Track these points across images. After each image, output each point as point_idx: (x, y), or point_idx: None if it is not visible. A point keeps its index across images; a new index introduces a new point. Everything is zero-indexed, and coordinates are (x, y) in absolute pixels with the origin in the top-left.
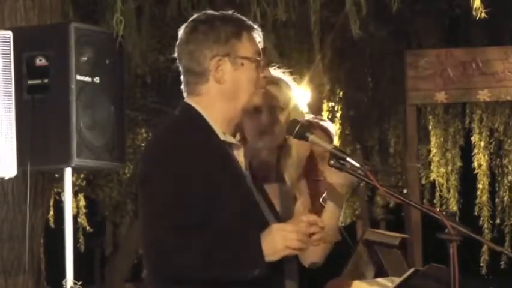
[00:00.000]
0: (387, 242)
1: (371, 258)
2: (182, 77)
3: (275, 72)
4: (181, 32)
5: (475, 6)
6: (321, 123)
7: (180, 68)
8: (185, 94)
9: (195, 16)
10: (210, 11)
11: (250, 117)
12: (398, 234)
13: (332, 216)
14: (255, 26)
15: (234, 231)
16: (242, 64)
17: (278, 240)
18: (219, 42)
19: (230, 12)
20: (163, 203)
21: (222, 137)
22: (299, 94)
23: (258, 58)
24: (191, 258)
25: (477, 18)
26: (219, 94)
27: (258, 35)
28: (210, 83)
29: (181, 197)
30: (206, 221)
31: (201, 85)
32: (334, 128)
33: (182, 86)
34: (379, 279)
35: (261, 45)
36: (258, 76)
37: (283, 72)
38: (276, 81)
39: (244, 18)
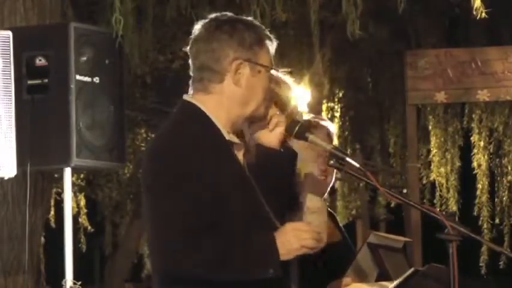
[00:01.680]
0: (391, 246)
1: (374, 261)
2: (194, 73)
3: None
4: (199, 29)
5: (475, 6)
6: (321, 122)
7: (193, 63)
8: (191, 90)
9: (215, 15)
10: (230, 13)
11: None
12: (401, 238)
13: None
14: (272, 37)
15: (245, 231)
16: (259, 72)
17: (293, 240)
18: (243, 45)
19: (250, 18)
20: (173, 205)
21: (227, 137)
22: (300, 95)
23: (272, 69)
24: (204, 259)
25: (477, 18)
26: (231, 96)
27: (272, 46)
28: (225, 83)
29: (190, 198)
30: (215, 221)
31: (214, 84)
32: (334, 128)
33: (191, 82)
34: (382, 282)
35: (272, 55)
36: (269, 86)
37: (283, 73)
38: (276, 81)
39: (263, 27)
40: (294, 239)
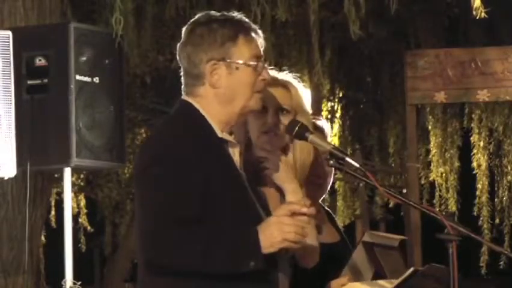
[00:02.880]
0: (386, 244)
1: (369, 260)
2: (182, 77)
3: (285, 75)
4: (182, 32)
5: (475, 6)
6: (316, 122)
7: (181, 67)
8: (184, 93)
9: (195, 17)
10: (212, 12)
11: (256, 117)
12: (397, 236)
13: (295, 194)
14: (255, 27)
15: (231, 225)
16: (237, 68)
17: (275, 233)
18: (215, 45)
19: (232, 12)
20: (162, 196)
21: (219, 135)
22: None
23: (255, 62)
24: (189, 251)
25: (477, 18)
26: (215, 98)
27: (257, 37)
28: (206, 86)
29: (180, 190)
30: (203, 215)
31: (198, 87)
32: (329, 127)
33: (182, 86)
34: (378, 281)
35: (261, 47)
36: (255, 80)
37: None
38: (285, 85)
39: (245, 20)
40: (277, 232)
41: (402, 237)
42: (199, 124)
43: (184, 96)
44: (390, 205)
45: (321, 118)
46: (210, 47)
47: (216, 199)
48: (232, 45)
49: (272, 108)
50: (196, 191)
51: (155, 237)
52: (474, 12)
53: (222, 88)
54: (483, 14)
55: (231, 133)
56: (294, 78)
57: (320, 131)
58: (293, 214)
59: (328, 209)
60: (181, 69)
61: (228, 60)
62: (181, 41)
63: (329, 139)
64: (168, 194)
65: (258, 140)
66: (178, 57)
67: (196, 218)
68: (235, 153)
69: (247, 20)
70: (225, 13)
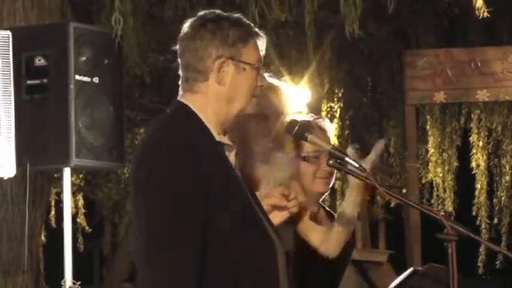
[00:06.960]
0: (375, 260)
1: (361, 277)
2: (181, 72)
3: (272, 79)
4: (186, 27)
5: (477, 6)
6: (320, 122)
7: (180, 62)
8: (181, 91)
9: (202, 13)
10: (218, 11)
11: (256, 122)
12: (384, 250)
13: (340, 235)
14: (261, 33)
15: (238, 229)
16: (244, 69)
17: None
18: (226, 43)
19: (237, 15)
20: (164, 209)
21: (217, 138)
22: (294, 95)
23: (259, 66)
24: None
25: (479, 17)
26: (216, 95)
27: (262, 43)
28: (210, 83)
29: (183, 200)
30: (208, 225)
31: (200, 83)
32: (332, 128)
33: (179, 82)
34: None
35: (263, 53)
36: (256, 84)
37: (280, 75)
38: (276, 90)
39: (251, 24)
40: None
41: (388, 251)
42: (198, 129)
43: (180, 97)
44: (392, 205)
45: (324, 118)
46: (221, 44)
47: (222, 204)
48: (243, 46)
49: (274, 116)
50: (201, 200)
51: (171, 263)
52: (476, 12)
53: (226, 86)
54: (485, 14)
55: (224, 133)
56: (271, 77)
57: (322, 131)
58: (275, 208)
59: (328, 209)
60: (181, 64)
61: (237, 60)
62: (187, 34)
63: (332, 138)
64: (170, 210)
65: (263, 146)
66: (179, 51)
67: (202, 231)
68: (231, 156)
69: (251, 24)
70: (231, 14)
